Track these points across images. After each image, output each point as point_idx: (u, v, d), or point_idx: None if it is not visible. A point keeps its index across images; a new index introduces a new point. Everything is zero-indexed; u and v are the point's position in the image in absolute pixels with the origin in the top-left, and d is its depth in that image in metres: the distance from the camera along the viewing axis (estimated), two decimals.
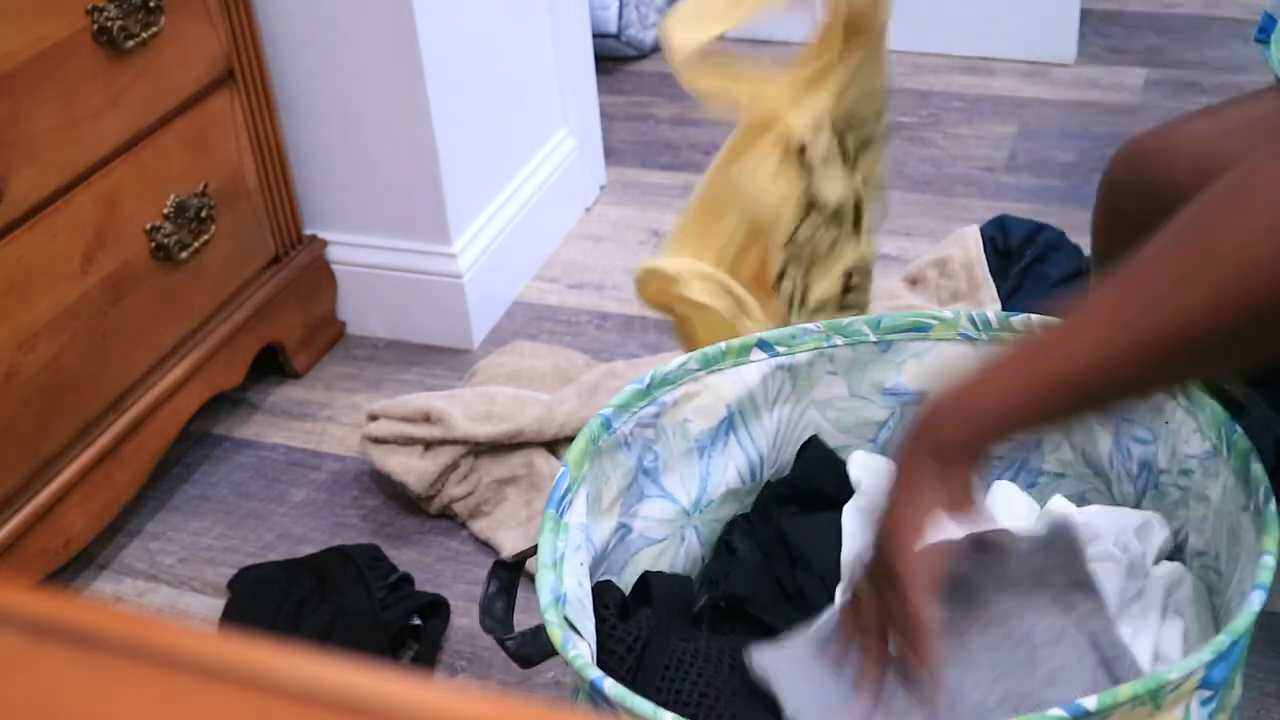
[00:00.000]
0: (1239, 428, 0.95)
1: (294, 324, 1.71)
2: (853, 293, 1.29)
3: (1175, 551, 1.04)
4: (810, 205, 1.21)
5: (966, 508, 0.83)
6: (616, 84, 2.42)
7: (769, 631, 1.01)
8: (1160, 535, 1.01)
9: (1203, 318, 0.73)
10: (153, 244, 1.45)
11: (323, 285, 1.76)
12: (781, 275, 1.23)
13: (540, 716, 0.30)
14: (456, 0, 1.65)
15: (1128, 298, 0.76)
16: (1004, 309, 1.60)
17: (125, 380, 1.44)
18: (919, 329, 1.13)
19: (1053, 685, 0.88)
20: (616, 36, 2.42)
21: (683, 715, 0.79)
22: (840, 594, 0.99)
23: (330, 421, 1.65)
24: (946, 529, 0.98)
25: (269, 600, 1.33)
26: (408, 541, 1.45)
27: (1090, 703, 0.76)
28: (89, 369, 1.38)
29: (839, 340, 1.13)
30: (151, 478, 1.51)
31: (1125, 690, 0.76)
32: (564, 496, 0.98)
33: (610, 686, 0.82)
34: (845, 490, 1.13)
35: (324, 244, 1.75)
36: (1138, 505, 1.08)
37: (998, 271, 1.67)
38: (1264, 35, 1.47)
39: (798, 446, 1.16)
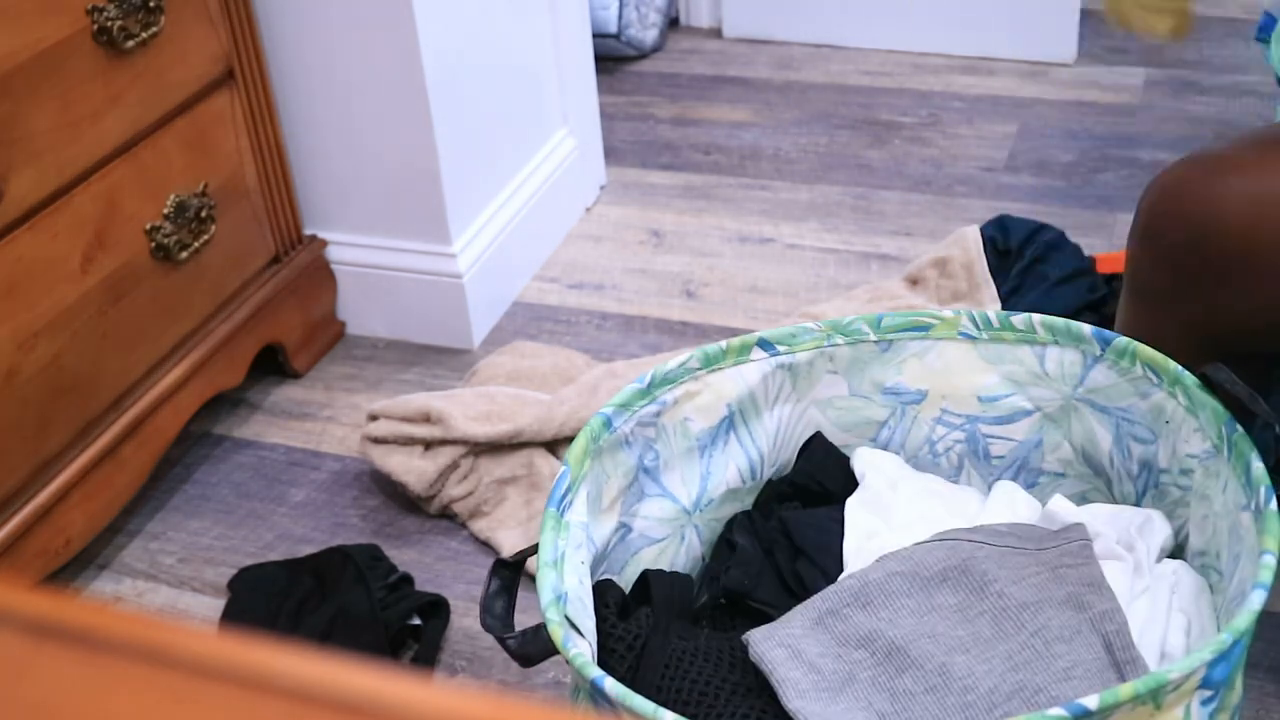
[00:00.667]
0: (1239, 427, 0.95)
1: (294, 324, 1.71)
2: None
3: (1176, 551, 1.04)
4: None
5: None
6: (616, 84, 2.42)
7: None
8: (1162, 533, 1.02)
9: None
10: (153, 244, 1.45)
11: (323, 285, 1.76)
12: None
13: (540, 716, 0.30)
14: (456, 1, 1.65)
15: None
16: (1004, 309, 1.60)
17: (125, 380, 1.45)
18: (919, 328, 1.13)
19: (1069, 680, 0.88)
20: (616, 36, 2.42)
21: (683, 714, 0.79)
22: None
23: (330, 421, 1.65)
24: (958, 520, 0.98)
25: (269, 600, 1.33)
26: (408, 541, 1.45)
27: (1091, 702, 0.76)
28: (89, 369, 1.39)
29: (839, 339, 1.13)
30: (151, 478, 1.51)
31: (1126, 689, 0.77)
32: (565, 495, 0.98)
33: (611, 685, 0.82)
34: (849, 485, 1.13)
35: (324, 244, 1.75)
36: (1138, 505, 1.08)
37: (998, 271, 1.67)
38: (1264, 35, 1.47)
39: (798, 445, 1.16)
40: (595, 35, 2.32)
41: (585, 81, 2.02)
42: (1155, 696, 0.78)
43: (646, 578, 1.06)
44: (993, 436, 1.15)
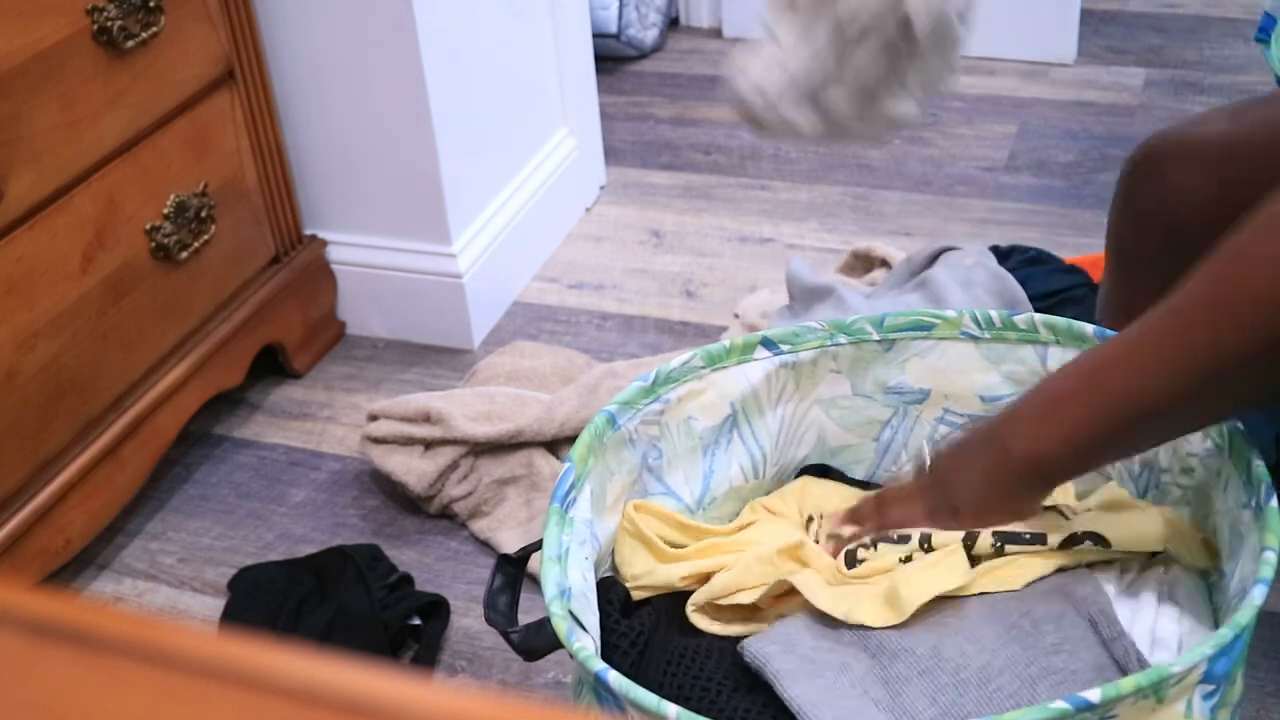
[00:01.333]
0: (1240, 424, 0.95)
1: (294, 324, 1.70)
2: None
3: None
4: None
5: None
6: (616, 84, 2.42)
7: None
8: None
9: (1234, 350, 0.77)
10: (153, 244, 1.45)
11: (323, 285, 1.76)
12: None
13: (540, 716, 0.30)
14: (456, 0, 1.65)
15: (1166, 333, 0.80)
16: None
17: (125, 380, 1.44)
18: (922, 327, 1.13)
19: (1058, 653, 0.88)
20: (616, 36, 2.42)
21: (685, 708, 0.79)
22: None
23: (330, 421, 1.65)
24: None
25: (269, 600, 1.33)
26: (408, 541, 1.45)
27: (1094, 695, 0.76)
28: (89, 369, 1.38)
29: (842, 339, 1.13)
30: (151, 478, 1.51)
31: (1128, 683, 0.77)
32: (569, 491, 0.98)
33: (615, 679, 0.82)
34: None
35: (324, 244, 1.75)
36: None
37: None
38: (1264, 35, 1.47)
39: (801, 444, 1.16)
40: (595, 35, 2.32)
41: (585, 81, 2.02)
42: (1157, 690, 0.78)
43: None
44: None
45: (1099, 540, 0.96)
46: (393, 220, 1.73)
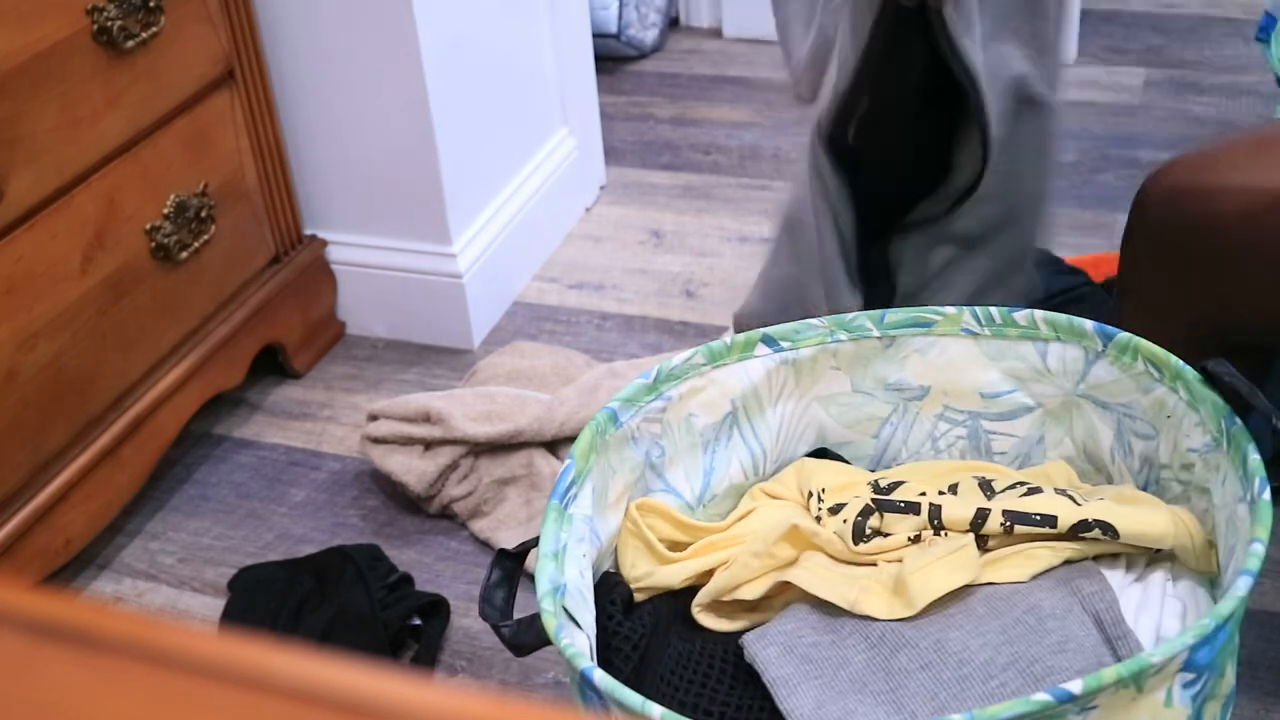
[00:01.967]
0: (1238, 420, 0.95)
1: (294, 324, 1.70)
2: None
3: None
4: None
5: None
6: (616, 84, 2.42)
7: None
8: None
9: None
10: (153, 244, 1.45)
11: (323, 285, 1.76)
12: None
13: (540, 716, 0.30)
14: (456, 1, 1.65)
15: None
16: None
17: (125, 380, 1.44)
18: (922, 324, 1.13)
19: (1062, 652, 0.88)
20: (616, 36, 2.42)
21: (683, 714, 0.79)
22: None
23: (330, 421, 1.65)
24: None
25: (269, 600, 1.33)
26: (408, 541, 1.45)
27: (1075, 686, 0.77)
28: (89, 369, 1.38)
29: (843, 336, 1.13)
30: (151, 478, 1.51)
31: (1109, 673, 0.77)
32: (569, 488, 0.98)
33: (600, 678, 0.82)
34: None
35: (324, 244, 1.75)
36: None
37: None
38: (1264, 35, 1.47)
39: (801, 441, 1.16)
40: (595, 35, 2.32)
41: (585, 81, 2.02)
42: (1137, 680, 0.78)
43: None
44: (995, 433, 1.15)
45: (1108, 530, 0.96)
46: (393, 220, 1.73)
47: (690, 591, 1.06)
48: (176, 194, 1.48)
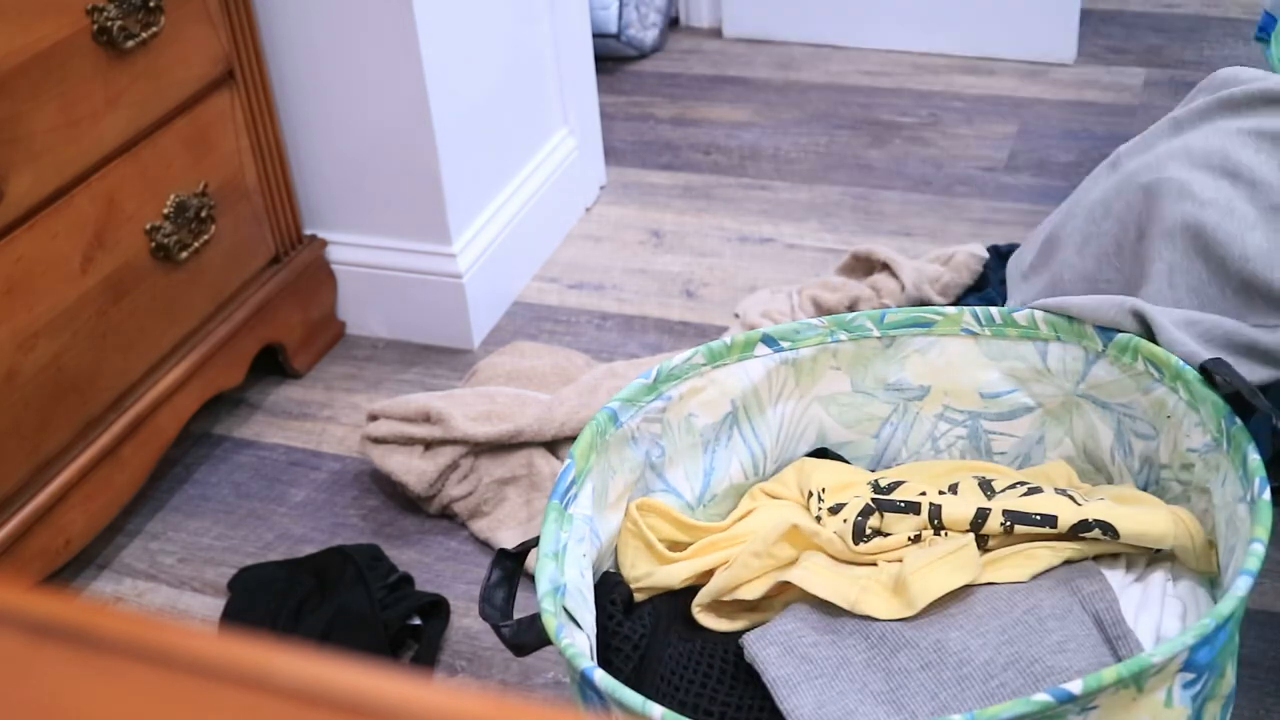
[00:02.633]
0: (1238, 420, 0.95)
1: (294, 324, 1.70)
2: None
3: None
4: None
5: None
6: (616, 84, 2.42)
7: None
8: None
9: None
10: (153, 244, 1.45)
11: (323, 285, 1.76)
12: None
13: (540, 716, 0.30)
14: (457, 1, 1.65)
15: None
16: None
17: (125, 380, 1.44)
18: (922, 324, 1.13)
19: (1062, 652, 0.88)
20: (616, 36, 2.42)
21: (684, 715, 0.79)
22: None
23: (330, 421, 1.65)
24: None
25: (269, 600, 1.33)
26: (408, 541, 1.45)
27: (1075, 687, 0.77)
28: (89, 369, 1.38)
29: (843, 336, 1.13)
30: (151, 478, 1.51)
31: (1109, 673, 0.77)
32: (569, 488, 0.98)
33: (600, 678, 0.82)
34: None
35: (324, 244, 1.75)
36: None
37: (995, 270, 1.68)
38: (1264, 34, 1.47)
39: (801, 441, 1.16)
40: (595, 35, 2.32)
41: (585, 81, 2.02)
42: (1138, 680, 0.78)
43: None
44: (995, 433, 1.15)
45: (1108, 530, 0.96)
46: (393, 220, 1.73)
47: (690, 591, 1.06)
48: (176, 194, 1.48)
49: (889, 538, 1.01)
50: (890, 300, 1.63)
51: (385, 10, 1.56)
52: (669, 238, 1.96)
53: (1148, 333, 1.04)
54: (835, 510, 1.05)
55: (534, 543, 0.99)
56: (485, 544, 1.43)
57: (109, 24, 1.34)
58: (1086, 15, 2.40)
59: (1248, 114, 1.13)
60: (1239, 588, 0.83)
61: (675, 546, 1.06)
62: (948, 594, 0.95)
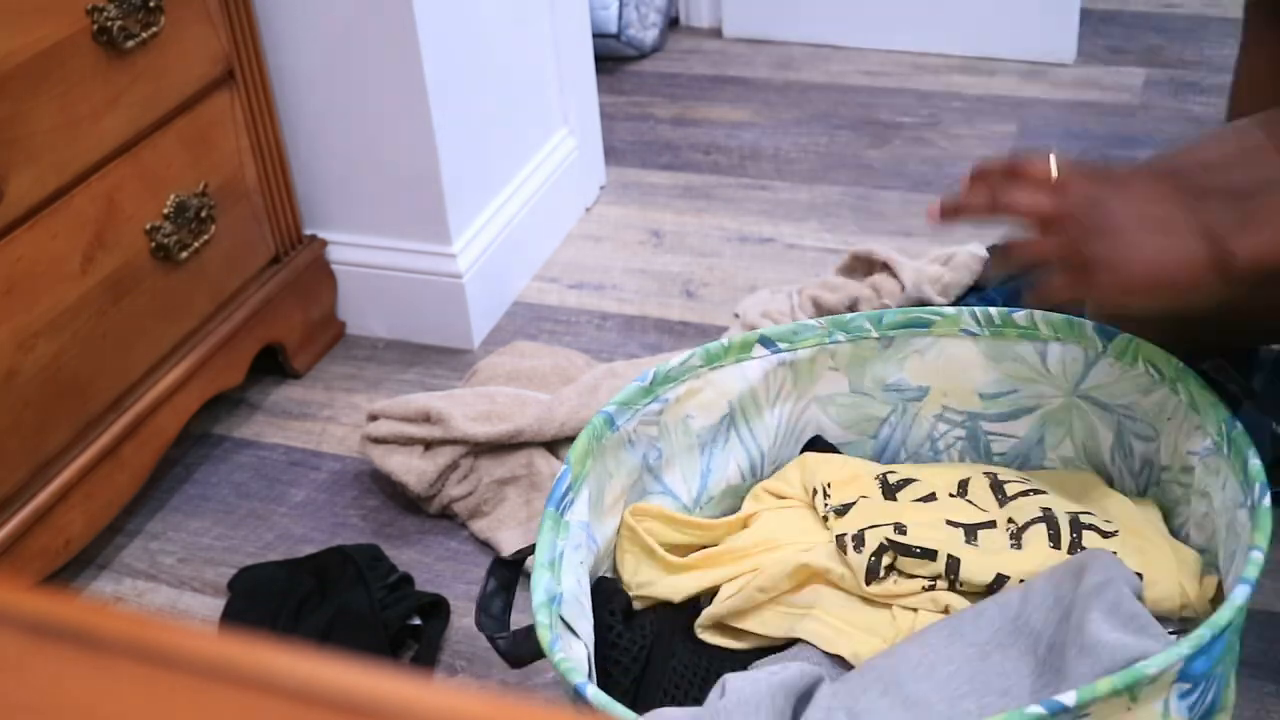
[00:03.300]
0: (1239, 423, 0.95)
1: (294, 324, 1.71)
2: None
3: None
4: None
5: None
6: (616, 84, 2.42)
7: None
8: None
9: None
10: (153, 244, 1.45)
11: (323, 285, 1.76)
12: None
13: (540, 716, 0.30)
14: (457, 0, 1.65)
15: None
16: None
17: (125, 380, 1.44)
18: (921, 324, 1.13)
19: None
20: (616, 36, 2.42)
21: None
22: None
23: (330, 421, 1.65)
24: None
25: (269, 600, 1.33)
26: (408, 541, 1.45)
27: (1069, 698, 0.76)
28: (89, 369, 1.38)
29: (841, 336, 1.13)
30: (151, 478, 1.51)
31: (1103, 685, 0.77)
32: (565, 494, 0.98)
33: (593, 693, 0.82)
34: None
35: (324, 244, 1.75)
36: None
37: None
38: None
39: (799, 443, 1.16)
40: (595, 35, 2.32)
41: (585, 81, 2.02)
42: (1132, 691, 0.78)
43: None
44: (994, 434, 1.15)
45: None
46: (393, 220, 1.73)
47: (692, 602, 1.06)
48: (176, 194, 1.48)
49: (902, 583, 0.98)
50: (890, 300, 1.63)
51: (385, 10, 1.56)
52: (669, 238, 1.96)
53: None
54: (841, 512, 1.04)
55: (529, 550, 0.99)
56: (485, 544, 1.43)
57: (109, 24, 1.34)
58: (1086, 15, 2.40)
59: None
60: (1237, 596, 0.82)
61: (676, 549, 1.06)
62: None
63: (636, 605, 1.04)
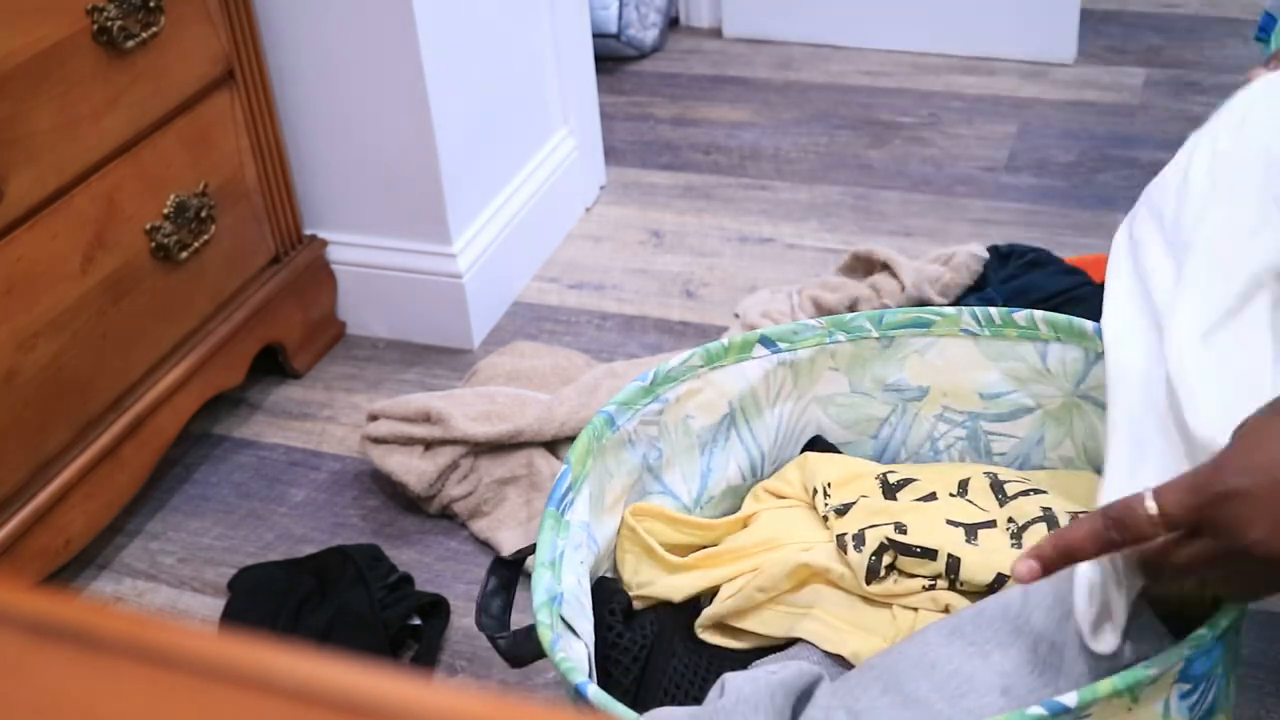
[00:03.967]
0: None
1: (294, 324, 1.70)
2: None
3: None
4: None
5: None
6: (616, 84, 2.42)
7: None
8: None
9: None
10: (153, 244, 1.45)
11: (323, 285, 1.76)
12: None
13: (540, 716, 0.30)
14: (457, 1, 1.65)
15: None
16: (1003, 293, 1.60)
17: (125, 380, 1.44)
18: (921, 324, 1.13)
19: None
20: (616, 36, 2.42)
21: None
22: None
23: (330, 421, 1.65)
24: None
25: (269, 600, 1.33)
26: (408, 541, 1.45)
27: (1070, 699, 0.76)
28: (89, 369, 1.38)
29: (841, 336, 1.13)
30: (151, 478, 1.51)
31: (1104, 685, 0.77)
32: (565, 494, 0.98)
33: (594, 693, 0.82)
34: None
35: (324, 244, 1.75)
36: None
37: (997, 269, 1.68)
38: (1264, 34, 1.47)
39: (799, 443, 1.16)
40: (595, 35, 2.32)
41: (585, 81, 2.02)
42: (1133, 691, 0.78)
43: None
44: (994, 434, 1.15)
45: None
46: (393, 220, 1.73)
47: (692, 601, 1.06)
48: (176, 194, 1.48)
49: (902, 582, 0.98)
50: (890, 300, 1.63)
51: (385, 10, 1.56)
52: (669, 238, 1.96)
53: None
54: (842, 511, 1.04)
55: (529, 550, 0.99)
56: (485, 544, 1.43)
57: (109, 24, 1.34)
58: (1086, 15, 2.40)
59: None
60: None
61: (676, 549, 1.06)
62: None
63: (636, 605, 1.04)
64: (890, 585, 0.98)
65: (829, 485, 1.07)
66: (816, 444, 1.16)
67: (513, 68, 1.83)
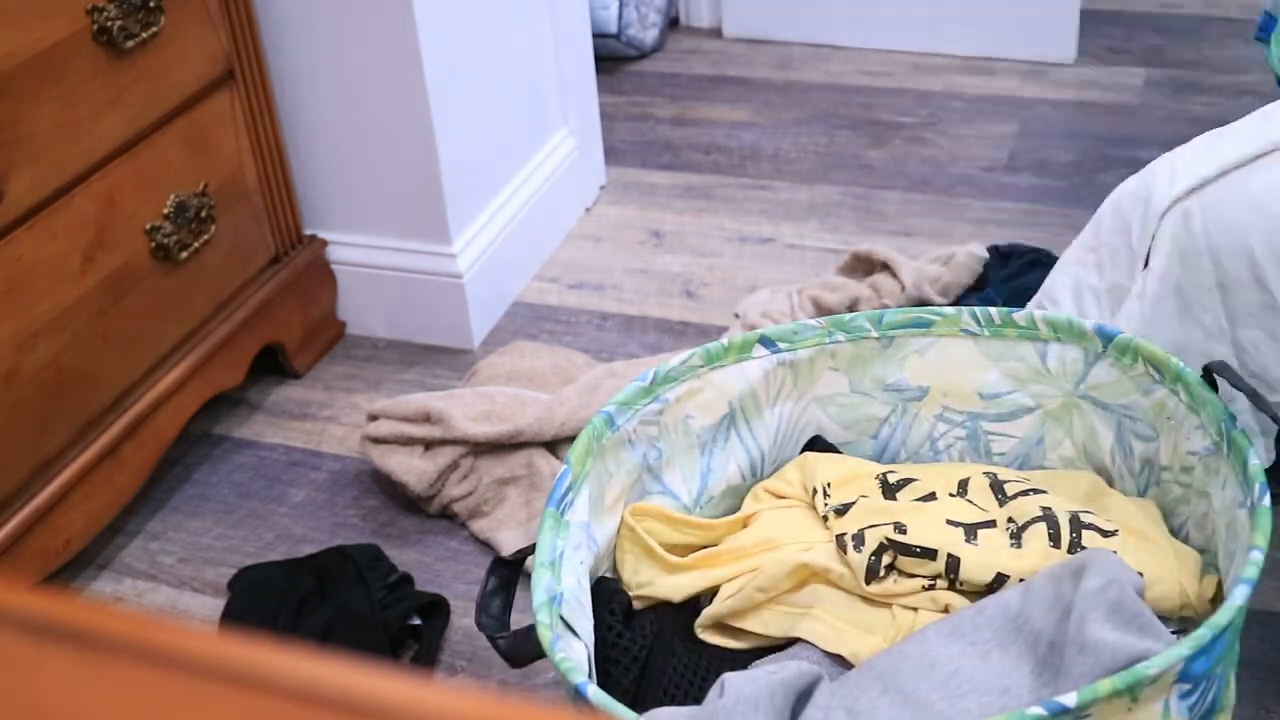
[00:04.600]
0: (1238, 424, 0.95)
1: (294, 324, 1.70)
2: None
3: None
4: None
5: None
6: (616, 84, 2.42)
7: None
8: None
9: None
10: (153, 244, 1.45)
11: (323, 285, 1.76)
12: None
13: (540, 716, 0.30)
14: (457, 1, 1.65)
15: None
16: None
17: (125, 380, 1.44)
18: (921, 324, 1.13)
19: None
20: (616, 36, 2.42)
21: None
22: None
23: (330, 421, 1.65)
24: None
25: (269, 600, 1.33)
26: (408, 541, 1.45)
27: (1070, 699, 0.76)
28: (89, 369, 1.38)
29: (841, 336, 1.13)
30: (151, 478, 1.51)
31: (1104, 685, 0.77)
32: (565, 494, 0.98)
33: (594, 693, 0.82)
34: None
35: (324, 244, 1.75)
36: None
37: (997, 268, 1.68)
38: (1264, 35, 1.47)
39: (799, 443, 1.16)
40: (595, 35, 2.32)
41: (585, 81, 2.02)
42: (1133, 691, 0.78)
43: None
44: (994, 434, 1.15)
45: None
46: (393, 220, 1.73)
47: (692, 601, 1.06)
48: (176, 194, 1.48)
49: (902, 582, 0.98)
50: (890, 300, 1.63)
51: (385, 10, 1.56)
52: (669, 238, 1.96)
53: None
54: (841, 511, 1.04)
55: (529, 550, 0.99)
56: (485, 544, 1.43)
57: (109, 24, 1.34)
58: (1086, 15, 2.40)
59: None
60: (1236, 597, 0.82)
61: (676, 549, 1.06)
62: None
63: (636, 605, 1.04)
64: (890, 585, 0.98)
65: (829, 485, 1.07)
66: (816, 444, 1.16)
67: (513, 68, 1.83)
